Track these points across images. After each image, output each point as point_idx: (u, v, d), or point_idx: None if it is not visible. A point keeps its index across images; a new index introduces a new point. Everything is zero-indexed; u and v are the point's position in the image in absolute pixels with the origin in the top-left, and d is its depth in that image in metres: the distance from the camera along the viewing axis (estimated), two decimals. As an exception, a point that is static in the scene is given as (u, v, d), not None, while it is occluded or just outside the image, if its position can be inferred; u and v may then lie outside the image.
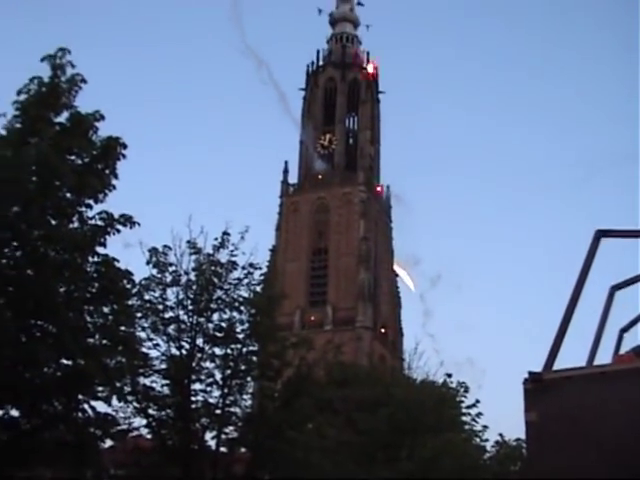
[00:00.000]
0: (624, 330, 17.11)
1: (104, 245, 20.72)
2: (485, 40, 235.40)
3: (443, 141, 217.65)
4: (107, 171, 21.03)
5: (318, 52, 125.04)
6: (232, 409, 31.53)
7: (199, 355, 30.55)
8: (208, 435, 30.97)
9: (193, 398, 30.52)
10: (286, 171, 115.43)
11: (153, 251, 30.88)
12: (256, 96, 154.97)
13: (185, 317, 30.60)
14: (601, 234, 14.12)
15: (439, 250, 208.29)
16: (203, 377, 30.69)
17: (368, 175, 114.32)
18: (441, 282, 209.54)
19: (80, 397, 20.99)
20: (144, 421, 30.23)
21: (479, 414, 44.51)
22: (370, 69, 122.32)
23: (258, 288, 32.13)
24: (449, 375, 44.22)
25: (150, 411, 30.11)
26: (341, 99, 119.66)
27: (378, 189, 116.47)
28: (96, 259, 20.75)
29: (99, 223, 20.70)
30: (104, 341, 21.18)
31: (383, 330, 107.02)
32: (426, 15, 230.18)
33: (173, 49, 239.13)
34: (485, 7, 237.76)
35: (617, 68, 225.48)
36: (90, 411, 21.30)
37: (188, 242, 31.30)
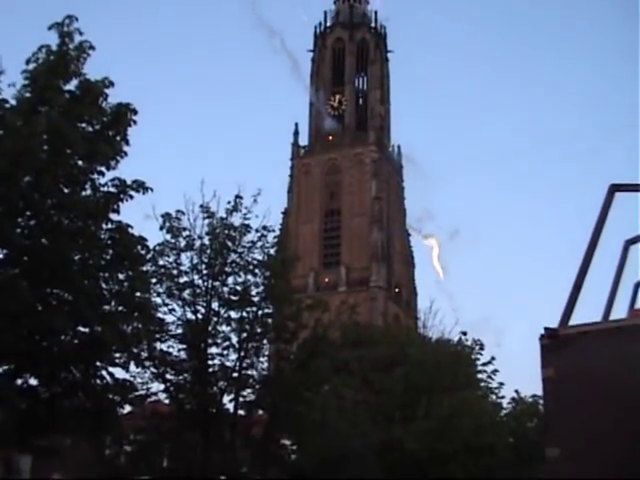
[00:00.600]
0: (639, 284, 17.07)
1: (117, 212, 20.69)
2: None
3: (453, 97, 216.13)
4: (118, 138, 20.95)
5: (325, 13, 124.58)
6: (249, 372, 31.62)
7: (215, 319, 30.60)
8: (226, 398, 31.09)
9: (210, 362, 30.63)
10: (296, 133, 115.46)
11: (166, 216, 30.84)
12: (266, 59, 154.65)
13: (200, 281, 30.66)
14: (615, 188, 14.06)
15: (453, 207, 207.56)
16: (219, 341, 30.77)
17: (379, 135, 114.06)
18: (456, 239, 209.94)
19: (98, 364, 21.07)
20: (162, 386, 30.47)
21: (495, 371, 44.77)
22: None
23: (272, 251, 32.10)
24: (464, 333, 44.49)
25: (167, 376, 30.28)
26: (350, 59, 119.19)
27: (389, 149, 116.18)
28: (110, 226, 20.74)
29: (112, 190, 20.66)
30: (120, 308, 21.23)
31: (397, 290, 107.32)
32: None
33: (182, 15, 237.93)
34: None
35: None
36: (108, 377, 21.39)
37: (201, 206, 31.28)
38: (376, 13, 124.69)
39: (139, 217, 24.40)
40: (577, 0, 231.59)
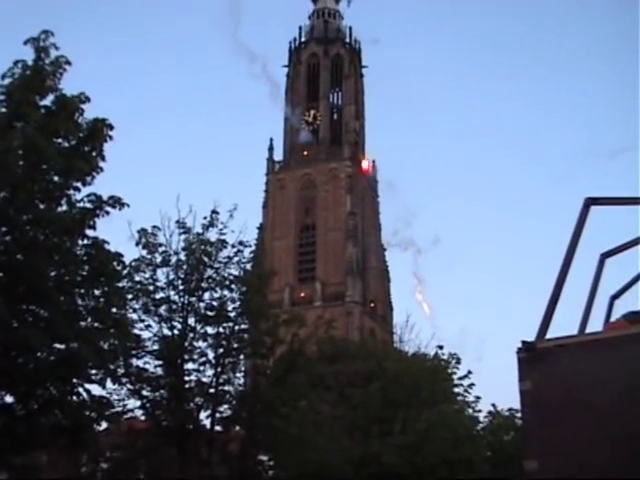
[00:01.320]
0: (615, 297, 17.21)
1: (94, 228, 20.65)
2: (470, 13, 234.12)
3: (429, 112, 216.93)
4: (94, 153, 20.91)
5: (300, 28, 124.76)
6: (225, 387, 31.58)
7: (191, 335, 30.55)
8: (202, 414, 31.04)
9: (186, 378, 30.57)
10: (271, 148, 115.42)
11: (142, 232, 30.80)
12: (241, 74, 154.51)
13: (176, 297, 30.61)
14: (590, 202, 14.17)
15: (428, 224, 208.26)
16: (196, 357, 30.73)
17: (353, 150, 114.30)
18: (432, 255, 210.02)
19: (74, 381, 20.97)
20: (138, 402, 30.35)
21: (471, 385, 44.80)
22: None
23: (248, 266, 32.12)
24: (440, 347, 44.49)
25: (144, 392, 30.16)
26: (324, 75, 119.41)
27: (364, 165, 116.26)
28: (86, 242, 20.69)
29: (88, 205, 20.62)
30: (96, 324, 21.16)
31: (373, 304, 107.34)
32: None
33: (158, 31, 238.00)
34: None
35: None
36: (85, 394, 21.29)
37: (177, 222, 31.29)
38: (350, 28, 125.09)
39: (117, 234, 24.33)
40: (560, 17, 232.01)
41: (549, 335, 13.92)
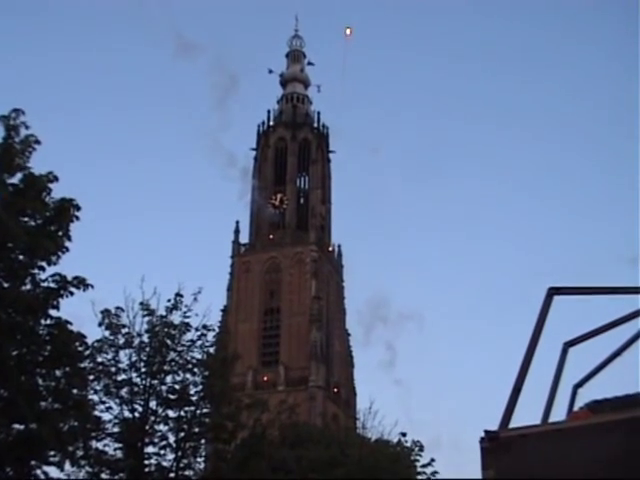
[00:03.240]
0: (578, 386, 17.23)
1: (57, 308, 20.56)
2: (434, 92, 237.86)
3: (393, 203, 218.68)
4: (60, 233, 20.96)
5: (269, 112, 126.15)
6: (186, 472, 31.11)
7: (152, 418, 30.21)
8: (162, 499, 30.53)
9: (147, 462, 30.12)
10: (237, 231, 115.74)
11: (105, 313, 30.62)
12: (208, 156, 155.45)
13: (138, 379, 30.29)
14: (553, 291, 14.28)
15: (392, 308, 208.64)
16: (156, 440, 30.33)
17: (319, 234, 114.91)
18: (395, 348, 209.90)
19: (33, 462, 20.69)
20: (97, 486, 29.78)
21: (434, 473, 44.60)
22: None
23: (211, 349, 31.98)
24: (403, 434, 44.33)
25: (103, 475, 29.60)
26: (292, 159, 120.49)
27: (330, 249, 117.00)
28: (49, 322, 20.58)
29: (52, 285, 20.57)
30: (57, 405, 20.98)
31: (336, 389, 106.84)
32: (376, 73, 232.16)
33: (125, 111, 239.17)
34: (431, 57, 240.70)
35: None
36: (43, 476, 20.99)
37: (141, 304, 31.12)
38: (319, 114, 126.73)
39: (81, 314, 24.21)
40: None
41: (512, 424, 13.88)
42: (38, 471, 20.90)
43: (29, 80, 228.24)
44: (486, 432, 13.37)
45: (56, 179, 21.09)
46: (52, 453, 21.51)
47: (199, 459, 31.81)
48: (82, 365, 23.86)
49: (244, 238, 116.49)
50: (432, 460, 45.01)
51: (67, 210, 21.01)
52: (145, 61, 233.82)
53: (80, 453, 27.50)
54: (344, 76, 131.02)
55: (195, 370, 31.07)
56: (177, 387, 30.61)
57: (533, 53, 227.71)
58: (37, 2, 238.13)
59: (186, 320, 31.18)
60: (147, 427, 29.98)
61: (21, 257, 20.28)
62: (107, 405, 30.00)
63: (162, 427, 30.43)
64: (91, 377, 28.61)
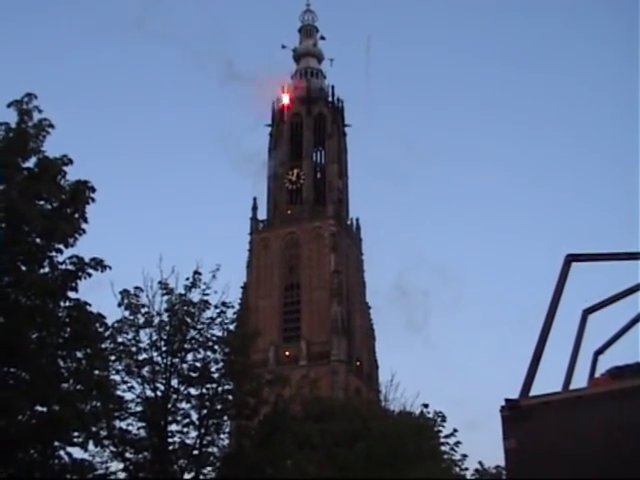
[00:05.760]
0: (598, 352, 17.14)
1: (76, 290, 20.58)
2: (451, 73, 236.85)
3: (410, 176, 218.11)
4: (76, 215, 20.93)
5: (283, 88, 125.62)
6: (210, 449, 31.28)
7: (174, 396, 30.31)
8: (186, 476, 30.58)
9: (170, 440, 30.23)
10: (255, 208, 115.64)
11: (124, 293, 30.70)
12: (226, 132, 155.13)
13: (159, 358, 30.40)
14: (572, 258, 14.18)
15: (412, 278, 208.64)
16: (179, 418, 30.45)
17: (337, 208, 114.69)
18: (414, 316, 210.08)
19: (56, 444, 20.77)
20: (121, 465, 29.89)
21: (457, 443, 44.64)
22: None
23: (231, 326, 31.99)
24: (425, 405, 44.38)
25: (127, 455, 29.78)
26: (307, 134, 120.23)
27: (348, 222, 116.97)
28: (68, 304, 20.60)
29: (70, 268, 20.56)
30: (78, 386, 20.99)
31: (358, 363, 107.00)
32: (389, 47, 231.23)
33: (140, 92, 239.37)
34: (445, 37, 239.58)
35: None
36: (66, 457, 21.06)
37: (160, 283, 31.22)
38: (333, 87, 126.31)
39: (100, 296, 24.25)
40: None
41: (533, 392, 13.81)
42: (62, 452, 20.97)
43: (48, 67, 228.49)
44: (507, 400, 13.31)
45: (71, 162, 21.04)
46: (75, 434, 21.57)
47: (222, 436, 31.90)
48: (103, 346, 23.92)
49: (262, 215, 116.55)
50: (455, 430, 45.06)
51: (82, 192, 20.98)
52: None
53: (103, 433, 27.69)
54: (367, 51, 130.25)
55: (216, 347, 31.10)
56: (198, 365, 30.68)
57: (540, 47, 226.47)
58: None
59: (205, 298, 31.23)
60: (169, 405, 30.09)
61: (38, 240, 20.28)
62: (129, 385, 30.18)
63: (184, 405, 30.59)
64: (112, 357, 28.75)
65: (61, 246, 20.53)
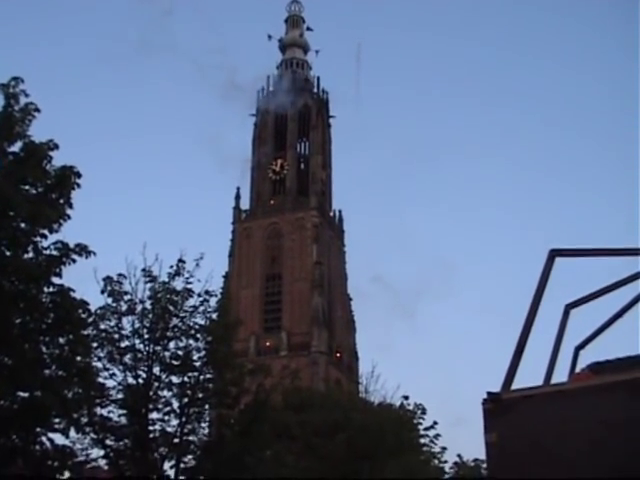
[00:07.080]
0: (579, 347, 17.28)
1: (60, 275, 20.54)
2: (440, 66, 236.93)
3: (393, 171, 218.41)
4: (62, 200, 20.86)
5: (268, 78, 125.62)
6: (190, 438, 31.31)
7: (156, 384, 30.29)
8: (167, 465, 30.69)
9: (151, 427, 30.22)
10: (238, 197, 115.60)
11: (108, 280, 30.65)
12: (208, 123, 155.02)
13: (141, 346, 30.36)
14: (555, 253, 14.29)
15: (392, 273, 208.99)
16: (160, 406, 30.42)
17: (320, 200, 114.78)
18: (395, 309, 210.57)
19: (38, 430, 20.76)
20: (102, 452, 29.88)
21: (437, 435, 44.82)
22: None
23: (214, 315, 32.01)
24: (406, 397, 44.51)
25: (108, 442, 29.76)
26: (292, 125, 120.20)
27: (330, 214, 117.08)
28: (51, 289, 20.56)
29: (54, 253, 20.50)
30: (60, 372, 20.98)
31: (338, 354, 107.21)
32: (375, 37, 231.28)
33: (126, 79, 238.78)
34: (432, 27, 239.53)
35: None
36: (48, 444, 21.08)
37: (143, 270, 31.17)
38: (318, 79, 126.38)
39: (83, 282, 24.19)
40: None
41: (514, 386, 13.93)
42: (43, 438, 20.98)
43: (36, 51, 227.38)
44: (488, 394, 13.41)
45: (56, 147, 20.97)
46: (57, 420, 21.57)
47: (203, 424, 31.96)
48: (85, 332, 23.83)
49: (245, 204, 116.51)
50: (435, 423, 45.23)
51: (68, 178, 20.89)
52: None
53: (85, 420, 27.66)
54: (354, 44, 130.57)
55: (198, 336, 31.09)
56: (180, 353, 30.67)
57: (540, 40, 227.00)
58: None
59: (188, 286, 31.21)
60: (151, 393, 30.08)
61: (23, 225, 20.19)
62: (111, 372, 30.11)
63: (166, 393, 30.54)
64: (94, 344, 28.66)
65: (46, 231, 20.44)
